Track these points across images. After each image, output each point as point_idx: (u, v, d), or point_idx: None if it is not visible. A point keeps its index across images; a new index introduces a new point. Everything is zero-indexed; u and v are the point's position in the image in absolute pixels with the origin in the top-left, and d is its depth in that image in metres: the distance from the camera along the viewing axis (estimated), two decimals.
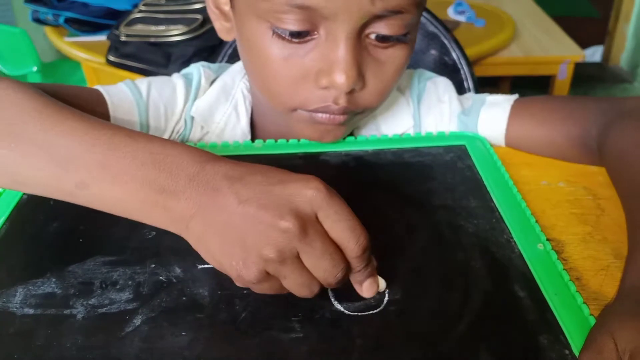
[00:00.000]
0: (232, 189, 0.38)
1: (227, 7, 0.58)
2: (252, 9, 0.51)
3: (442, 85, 0.69)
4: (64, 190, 0.42)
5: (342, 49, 0.50)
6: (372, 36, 0.52)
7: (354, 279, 0.41)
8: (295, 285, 0.39)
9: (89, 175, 0.40)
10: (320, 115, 0.55)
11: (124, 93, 0.61)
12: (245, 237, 0.37)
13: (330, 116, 0.55)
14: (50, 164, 0.41)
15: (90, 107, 0.55)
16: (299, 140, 0.61)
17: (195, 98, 0.66)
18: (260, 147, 0.61)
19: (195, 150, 0.41)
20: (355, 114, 0.57)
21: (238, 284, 0.39)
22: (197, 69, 0.68)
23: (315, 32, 0.51)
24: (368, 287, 0.41)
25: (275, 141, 0.62)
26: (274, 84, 0.54)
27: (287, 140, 0.61)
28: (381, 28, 0.51)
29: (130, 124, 0.61)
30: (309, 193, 0.37)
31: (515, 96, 0.66)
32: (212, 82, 0.68)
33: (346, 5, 0.48)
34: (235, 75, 0.68)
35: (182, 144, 0.42)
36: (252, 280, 0.38)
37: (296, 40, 0.51)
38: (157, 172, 0.39)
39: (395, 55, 0.54)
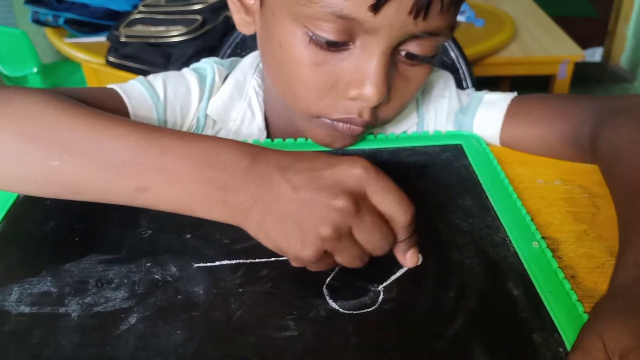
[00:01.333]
0: (285, 178, 0.40)
1: (250, 1, 0.58)
2: (290, 11, 0.51)
3: (443, 80, 0.70)
4: (124, 196, 0.43)
5: (375, 63, 0.50)
6: (403, 53, 0.52)
7: (399, 248, 0.44)
8: (350, 258, 0.41)
9: (148, 179, 0.42)
10: (341, 125, 0.56)
11: (142, 95, 0.60)
12: (302, 220, 0.39)
13: (351, 127, 0.56)
14: (107, 172, 0.42)
15: (110, 109, 0.54)
16: (295, 140, 0.61)
17: (210, 96, 0.66)
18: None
19: (243, 145, 0.43)
20: (372, 126, 0.58)
21: (295, 264, 0.42)
22: (211, 66, 0.67)
23: (351, 43, 0.51)
24: (411, 256, 0.44)
25: (272, 140, 0.62)
26: (301, 89, 0.54)
27: (284, 140, 0.62)
28: (413, 47, 0.52)
29: (148, 121, 0.60)
30: (356, 172, 0.40)
31: (513, 94, 0.66)
32: (225, 78, 0.68)
33: (390, 22, 0.48)
34: (246, 72, 0.68)
35: (232, 141, 0.43)
36: (310, 259, 0.40)
37: (332, 48, 0.51)
38: (213, 170, 0.41)
39: (419, 73, 0.55)
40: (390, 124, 0.67)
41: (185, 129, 0.65)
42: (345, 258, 0.41)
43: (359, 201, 0.39)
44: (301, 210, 0.39)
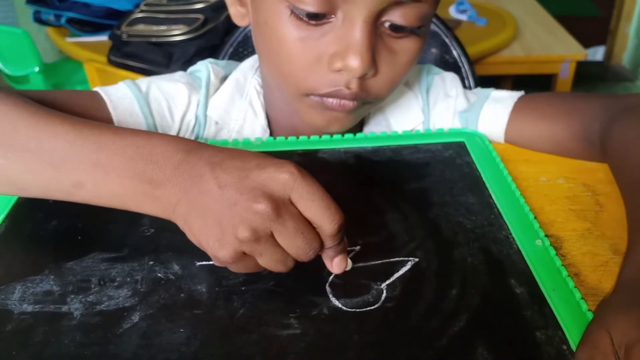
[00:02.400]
0: (213, 174, 0.40)
1: None
2: None
3: (449, 80, 0.70)
4: (62, 191, 0.44)
5: (358, 33, 0.51)
6: (387, 24, 0.53)
7: (326, 254, 0.42)
8: (271, 261, 0.40)
9: (83, 174, 0.43)
10: (330, 100, 0.56)
11: (123, 91, 0.61)
12: (222, 219, 0.39)
13: (341, 101, 0.56)
14: (46, 168, 0.43)
15: (84, 110, 0.55)
16: (297, 138, 0.61)
17: (207, 94, 0.66)
18: (259, 144, 0.61)
19: (180, 139, 0.43)
20: (364, 102, 0.57)
21: (216, 263, 0.41)
22: (205, 66, 0.68)
23: (333, 16, 0.51)
24: (338, 263, 0.43)
25: (274, 139, 0.62)
26: (288, 66, 0.54)
27: (286, 138, 0.62)
28: (397, 17, 0.52)
29: (136, 125, 0.61)
30: (281, 177, 0.39)
31: (521, 93, 0.66)
32: (222, 78, 0.68)
33: None
34: (247, 72, 0.68)
35: (167, 135, 0.44)
36: (227, 259, 0.39)
37: (313, 22, 0.51)
38: (144, 164, 0.41)
39: (408, 46, 0.55)
40: (395, 122, 0.67)
41: (178, 124, 0.65)
42: (266, 261, 0.40)
43: (281, 206, 0.39)
44: (223, 209, 0.39)
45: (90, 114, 0.55)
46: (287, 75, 0.56)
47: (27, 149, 0.44)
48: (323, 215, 0.39)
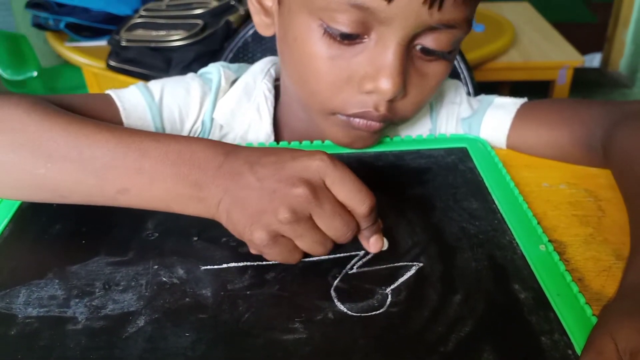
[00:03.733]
0: (252, 170, 0.43)
1: (269, 3, 0.58)
2: (305, 3, 0.51)
3: (454, 87, 0.70)
4: (106, 198, 0.46)
5: (391, 55, 0.50)
6: (418, 47, 0.52)
7: (362, 235, 0.46)
8: (312, 243, 0.43)
9: (128, 181, 0.45)
10: (357, 120, 0.55)
11: (136, 98, 0.61)
12: (263, 207, 0.42)
13: (368, 122, 0.55)
14: (89, 177, 0.45)
15: (99, 115, 0.55)
16: (300, 142, 0.62)
17: (216, 99, 0.65)
18: None
19: (217, 143, 0.46)
20: (390, 122, 0.57)
21: (252, 250, 0.45)
22: (217, 69, 0.67)
23: (366, 37, 0.51)
24: (374, 242, 0.46)
25: (277, 143, 0.62)
26: (316, 84, 0.54)
27: (289, 143, 0.62)
28: (429, 41, 0.51)
29: (142, 124, 0.61)
30: (314, 164, 0.42)
31: (524, 99, 0.66)
32: (232, 82, 0.68)
33: (404, 12, 0.48)
34: (256, 76, 0.68)
35: (204, 139, 0.46)
36: (263, 240, 0.42)
37: (346, 41, 0.51)
38: (188, 168, 0.44)
39: (437, 70, 0.55)
40: (404, 129, 0.67)
41: (186, 132, 0.65)
42: (306, 243, 0.43)
43: (318, 190, 0.42)
44: (263, 197, 0.42)
45: (106, 119, 0.55)
46: (314, 93, 0.55)
47: (68, 158, 0.45)
48: (355, 197, 0.43)
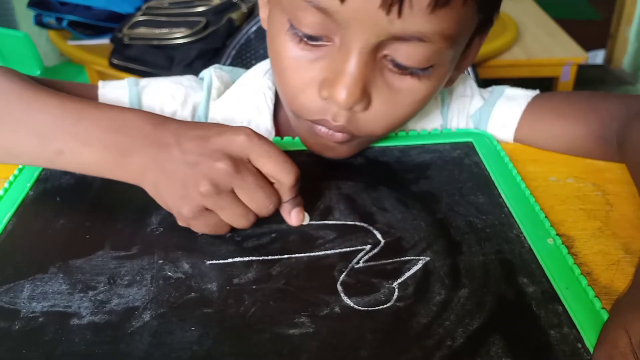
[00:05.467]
0: (178, 143, 0.45)
1: None
2: (280, 0, 0.49)
3: (462, 80, 0.69)
4: (46, 159, 0.49)
5: (351, 63, 0.46)
6: (389, 59, 0.48)
7: (284, 208, 0.48)
8: (233, 215, 0.45)
9: (63, 144, 0.47)
10: (319, 127, 0.53)
11: (120, 83, 0.63)
12: (186, 179, 0.43)
13: (329, 131, 0.52)
14: (33, 138, 0.48)
15: (76, 93, 0.55)
16: None
17: (209, 98, 0.65)
18: None
19: (150, 114, 0.48)
20: (356, 137, 0.53)
21: (180, 222, 0.46)
22: (208, 71, 0.67)
23: (331, 41, 0.48)
24: (295, 215, 0.48)
25: (281, 139, 0.62)
26: (283, 83, 0.52)
27: (293, 138, 0.61)
28: (399, 55, 0.47)
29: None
30: (238, 138, 0.44)
31: (536, 92, 0.65)
32: (227, 82, 0.67)
33: (361, 15, 0.44)
34: (258, 74, 0.66)
35: (140, 110, 0.49)
36: (189, 214, 0.44)
37: (311, 43, 0.48)
38: (117, 135, 0.46)
39: (412, 86, 0.49)
40: (413, 123, 0.66)
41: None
42: (228, 215, 0.45)
43: (240, 164, 0.43)
44: (186, 170, 0.43)
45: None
46: (283, 92, 0.53)
47: (18, 120, 0.48)
48: (281, 169, 0.44)
